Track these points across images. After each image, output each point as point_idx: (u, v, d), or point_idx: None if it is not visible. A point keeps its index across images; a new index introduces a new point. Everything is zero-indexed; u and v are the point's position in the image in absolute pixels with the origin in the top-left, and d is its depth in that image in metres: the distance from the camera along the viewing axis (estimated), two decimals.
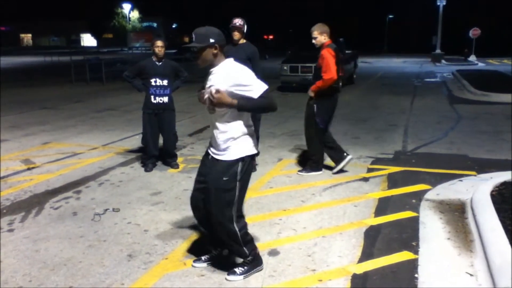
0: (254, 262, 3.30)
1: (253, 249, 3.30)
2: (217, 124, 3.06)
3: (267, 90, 2.94)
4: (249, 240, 3.27)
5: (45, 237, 3.96)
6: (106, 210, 4.59)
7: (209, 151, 3.19)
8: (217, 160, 3.07)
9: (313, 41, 5.58)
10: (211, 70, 3.04)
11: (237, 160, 3.03)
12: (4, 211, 4.57)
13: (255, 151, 3.14)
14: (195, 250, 3.67)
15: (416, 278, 3.21)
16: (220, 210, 3.07)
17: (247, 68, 3.05)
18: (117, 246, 3.78)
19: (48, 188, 5.31)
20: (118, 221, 4.30)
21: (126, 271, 3.36)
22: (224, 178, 3.01)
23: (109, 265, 3.46)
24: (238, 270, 3.27)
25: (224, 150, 3.05)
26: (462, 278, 3.19)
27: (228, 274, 3.26)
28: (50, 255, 3.62)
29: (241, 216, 3.21)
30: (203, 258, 3.46)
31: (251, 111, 3.06)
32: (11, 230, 4.10)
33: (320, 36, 5.54)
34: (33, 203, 4.80)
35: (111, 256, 3.59)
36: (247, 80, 2.93)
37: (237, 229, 3.14)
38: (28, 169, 6.09)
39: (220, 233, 3.18)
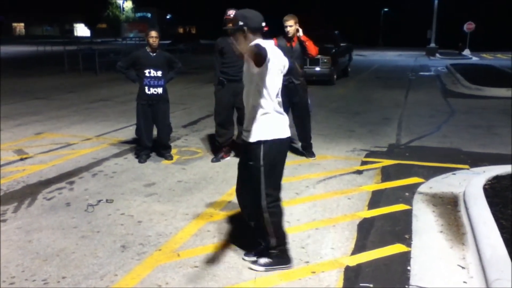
0: (280, 259, 3.24)
1: (283, 244, 3.25)
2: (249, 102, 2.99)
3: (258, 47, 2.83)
4: (282, 234, 3.24)
5: (37, 228, 3.94)
6: (99, 201, 4.58)
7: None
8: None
9: (290, 29, 5.69)
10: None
11: (258, 143, 3.00)
12: None
13: (281, 135, 3.04)
14: (190, 242, 3.68)
15: (409, 271, 3.24)
16: (258, 190, 3.08)
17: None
18: (110, 237, 3.77)
19: (41, 178, 5.28)
20: (112, 212, 4.29)
21: (119, 262, 3.36)
22: (250, 162, 3.00)
23: (102, 256, 3.45)
24: (262, 260, 3.22)
25: (248, 131, 3.00)
26: (454, 271, 3.22)
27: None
28: (42, 246, 3.61)
29: (274, 201, 3.13)
30: (253, 252, 3.35)
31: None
32: (3, 221, 4.08)
33: (295, 25, 5.75)
34: (25, 194, 4.78)
35: (104, 247, 3.59)
36: None
37: (268, 216, 3.10)
38: (21, 159, 6.05)
39: (253, 212, 3.17)
